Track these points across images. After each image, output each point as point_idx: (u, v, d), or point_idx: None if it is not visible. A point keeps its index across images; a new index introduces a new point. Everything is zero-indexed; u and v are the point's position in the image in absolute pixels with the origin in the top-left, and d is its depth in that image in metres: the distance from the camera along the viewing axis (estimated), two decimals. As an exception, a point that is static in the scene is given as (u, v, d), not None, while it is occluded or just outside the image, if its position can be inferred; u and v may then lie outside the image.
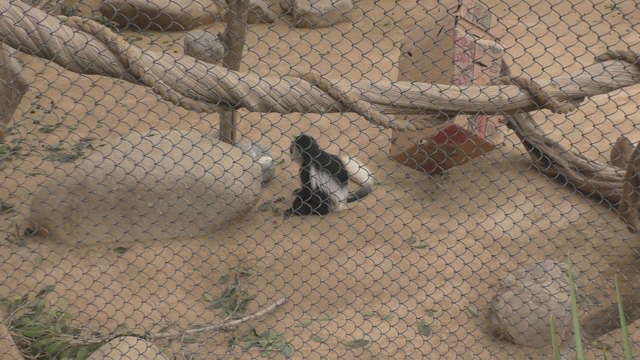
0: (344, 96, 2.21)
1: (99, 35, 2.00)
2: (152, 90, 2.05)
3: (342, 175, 4.50)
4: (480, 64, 4.21)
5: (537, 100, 2.37)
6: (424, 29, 4.34)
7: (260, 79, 2.17)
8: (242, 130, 5.34)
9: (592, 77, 2.39)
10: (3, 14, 1.87)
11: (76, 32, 1.98)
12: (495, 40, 4.33)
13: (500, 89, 2.36)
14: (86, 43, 1.97)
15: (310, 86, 2.21)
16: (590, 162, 4.33)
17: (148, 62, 2.04)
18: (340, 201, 4.44)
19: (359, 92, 2.25)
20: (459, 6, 4.31)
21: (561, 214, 3.50)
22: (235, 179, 4.05)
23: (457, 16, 4.25)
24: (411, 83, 2.31)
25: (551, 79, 2.40)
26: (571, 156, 4.41)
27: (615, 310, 3.08)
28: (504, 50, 4.26)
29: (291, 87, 2.18)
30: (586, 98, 2.44)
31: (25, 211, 4.34)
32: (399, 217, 3.55)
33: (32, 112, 5.93)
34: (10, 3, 1.88)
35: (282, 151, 4.71)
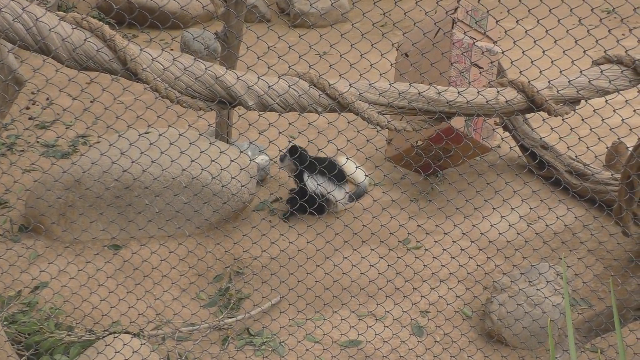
0: (341, 96, 2.21)
1: (97, 32, 2.00)
2: (150, 88, 2.05)
3: (339, 176, 4.50)
4: (478, 66, 4.21)
5: (534, 103, 2.38)
6: (422, 30, 4.34)
7: (258, 78, 2.17)
8: (239, 129, 5.34)
9: (589, 81, 2.40)
10: (2, 10, 1.86)
11: (75, 28, 1.97)
12: (493, 43, 4.33)
13: (497, 92, 2.37)
14: (85, 40, 1.97)
15: (309, 86, 2.21)
16: (586, 166, 4.35)
17: (146, 59, 2.04)
18: (338, 201, 4.44)
19: (357, 93, 2.25)
20: (457, 8, 4.30)
21: (556, 217, 3.51)
22: (231, 178, 4.05)
23: (455, 18, 4.26)
24: (409, 84, 2.31)
25: (549, 82, 2.41)
26: (567, 159, 4.42)
27: (609, 314, 3.09)
28: (502, 52, 4.26)
29: (289, 86, 2.18)
30: (583, 101, 2.45)
31: (21, 207, 4.33)
32: (395, 217, 3.56)
33: (27, 107, 5.92)
34: (9, -2, 1.88)
35: (280, 150, 4.70)
